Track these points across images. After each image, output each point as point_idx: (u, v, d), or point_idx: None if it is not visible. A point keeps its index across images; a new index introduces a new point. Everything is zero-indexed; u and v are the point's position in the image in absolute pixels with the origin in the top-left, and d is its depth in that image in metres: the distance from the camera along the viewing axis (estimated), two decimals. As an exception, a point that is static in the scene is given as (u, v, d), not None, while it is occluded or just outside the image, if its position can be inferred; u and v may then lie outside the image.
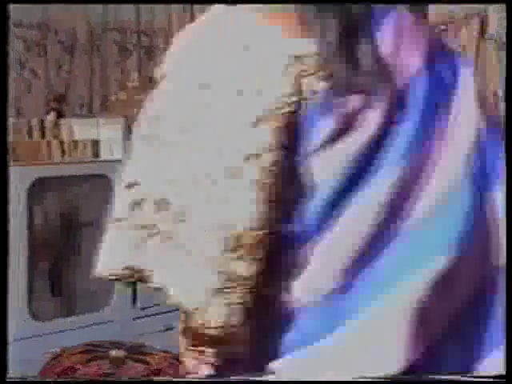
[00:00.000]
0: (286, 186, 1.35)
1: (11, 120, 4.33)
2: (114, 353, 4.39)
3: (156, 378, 3.75)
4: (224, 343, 1.47)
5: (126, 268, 1.47)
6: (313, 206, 1.37)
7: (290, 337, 1.46)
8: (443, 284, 1.41)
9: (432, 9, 4.63)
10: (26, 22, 5.14)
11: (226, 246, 1.34)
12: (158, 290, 1.50)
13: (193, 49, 1.48)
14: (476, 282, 1.50)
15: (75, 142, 4.77)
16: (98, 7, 5.44)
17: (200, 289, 1.40)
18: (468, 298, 1.51)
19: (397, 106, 1.39)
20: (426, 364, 1.47)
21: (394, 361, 1.43)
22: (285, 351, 1.46)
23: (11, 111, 4.59)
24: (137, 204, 1.47)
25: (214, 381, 2.58)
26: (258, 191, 1.32)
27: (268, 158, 1.32)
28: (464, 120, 1.45)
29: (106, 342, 4.60)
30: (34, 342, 4.57)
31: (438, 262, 1.41)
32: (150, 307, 5.27)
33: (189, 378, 2.34)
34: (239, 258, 1.35)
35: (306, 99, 1.35)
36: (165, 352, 4.55)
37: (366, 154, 1.38)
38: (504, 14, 3.88)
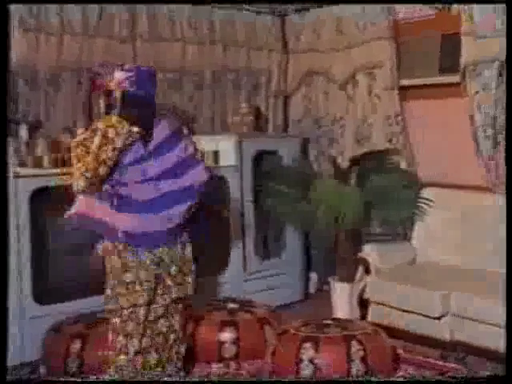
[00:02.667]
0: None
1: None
2: (229, 306, 4.73)
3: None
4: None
5: None
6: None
7: None
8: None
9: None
10: (169, 67, 5.60)
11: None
12: None
13: None
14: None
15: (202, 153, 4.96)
16: (221, 56, 5.90)
17: None
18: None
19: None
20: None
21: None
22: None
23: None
24: None
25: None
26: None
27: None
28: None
29: (224, 298, 4.95)
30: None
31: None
32: (256, 272, 5.64)
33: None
34: None
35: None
36: (266, 306, 4.84)
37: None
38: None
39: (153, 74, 3.66)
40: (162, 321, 3.79)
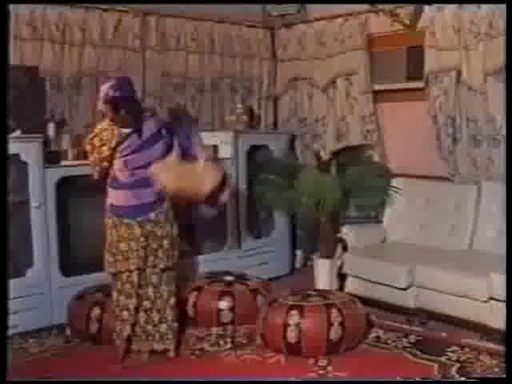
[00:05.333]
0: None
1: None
2: (226, 278, 4.78)
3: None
4: None
5: None
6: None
7: None
8: None
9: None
10: (174, 73, 5.65)
11: None
12: None
13: None
14: None
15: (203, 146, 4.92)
16: (219, 65, 5.92)
17: None
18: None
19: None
20: None
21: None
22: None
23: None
24: None
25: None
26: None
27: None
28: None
29: (222, 271, 4.95)
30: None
31: None
32: (250, 250, 5.67)
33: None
34: None
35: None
36: (258, 278, 4.92)
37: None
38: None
39: (129, 80, 3.94)
40: (150, 288, 4.01)
